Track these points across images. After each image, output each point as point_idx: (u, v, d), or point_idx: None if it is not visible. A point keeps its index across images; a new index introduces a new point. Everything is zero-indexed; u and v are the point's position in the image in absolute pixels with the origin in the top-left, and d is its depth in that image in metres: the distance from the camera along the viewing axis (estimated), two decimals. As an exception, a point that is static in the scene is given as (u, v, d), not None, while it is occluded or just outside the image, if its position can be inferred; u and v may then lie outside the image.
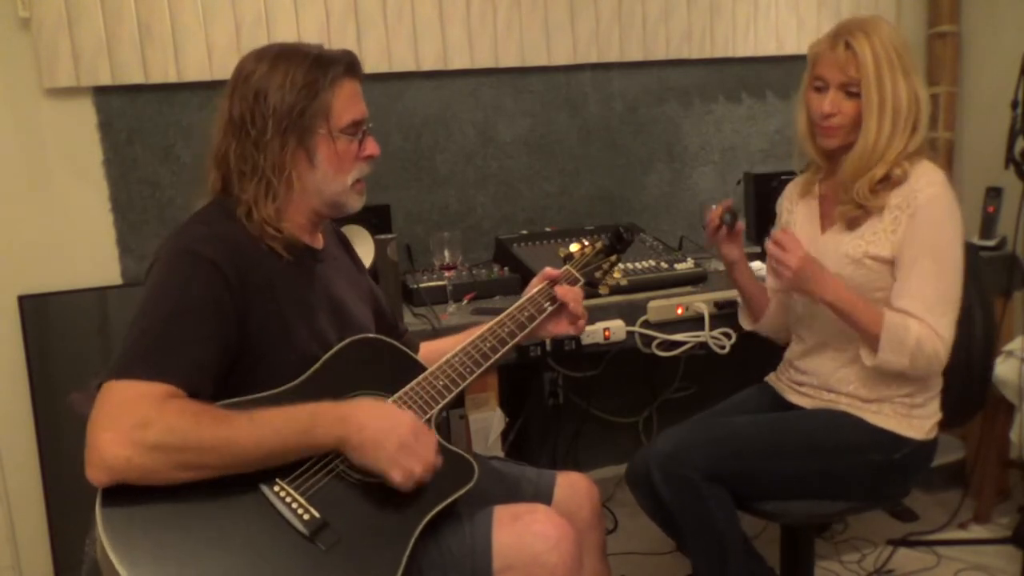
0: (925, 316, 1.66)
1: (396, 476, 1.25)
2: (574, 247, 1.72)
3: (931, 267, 1.68)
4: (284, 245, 1.38)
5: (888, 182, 1.72)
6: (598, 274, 1.70)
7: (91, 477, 1.13)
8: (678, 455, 1.70)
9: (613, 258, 1.73)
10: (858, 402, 1.79)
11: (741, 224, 1.91)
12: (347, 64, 1.41)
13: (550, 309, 1.60)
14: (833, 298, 1.70)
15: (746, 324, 2.07)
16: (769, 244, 1.72)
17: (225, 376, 1.27)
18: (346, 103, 1.40)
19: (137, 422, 1.13)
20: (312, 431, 1.23)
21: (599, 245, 1.72)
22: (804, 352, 1.88)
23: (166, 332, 1.22)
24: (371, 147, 1.45)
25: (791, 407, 1.90)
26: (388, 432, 1.25)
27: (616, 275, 1.75)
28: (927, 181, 1.69)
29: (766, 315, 2.00)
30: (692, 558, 1.78)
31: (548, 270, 1.65)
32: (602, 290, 1.72)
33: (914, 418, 1.77)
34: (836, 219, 1.80)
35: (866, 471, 1.75)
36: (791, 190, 1.98)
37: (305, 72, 1.37)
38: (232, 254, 1.30)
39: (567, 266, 1.68)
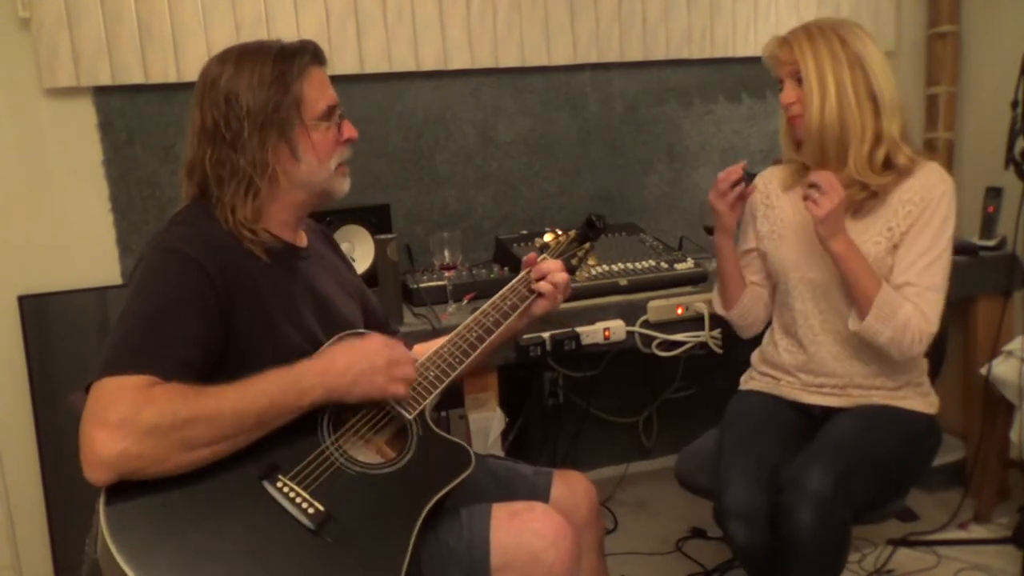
0: (920, 301, 1.70)
1: (399, 389, 1.34)
2: (548, 237, 1.75)
3: (934, 257, 1.72)
4: (263, 247, 1.37)
5: (893, 169, 1.74)
6: (574, 261, 1.72)
7: (91, 478, 1.13)
8: (838, 497, 1.57)
9: (587, 246, 1.75)
10: (887, 392, 1.81)
11: (753, 187, 1.87)
12: (312, 52, 1.41)
13: (532, 298, 1.62)
14: (845, 249, 1.68)
15: (719, 307, 2.03)
16: (814, 176, 1.67)
17: (211, 375, 1.27)
18: (318, 91, 1.40)
19: (125, 413, 1.13)
20: (298, 387, 1.25)
21: (572, 234, 1.75)
22: (814, 354, 1.86)
23: (151, 330, 1.22)
24: (348, 130, 1.45)
25: (810, 408, 1.87)
26: (369, 361, 1.32)
27: (592, 262, 1.77)
28: (939, 178, 1.75)
29: (739, 304, 1.97)
30: None
31: (532, 255, 1.68)
32: (579, 277, 1.74)
33: (926, 395, 1.84)
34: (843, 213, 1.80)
35: (921, 456, 1.81)
36: (768, 182, 1.95)
37: (272, 67, 1.36)
38: (215, 253, 1.30)
39: (544, 255, 1.70)
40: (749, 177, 1.87)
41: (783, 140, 1.88)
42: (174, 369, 1.19)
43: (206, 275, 1.27)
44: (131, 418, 1.12)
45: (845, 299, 1.79)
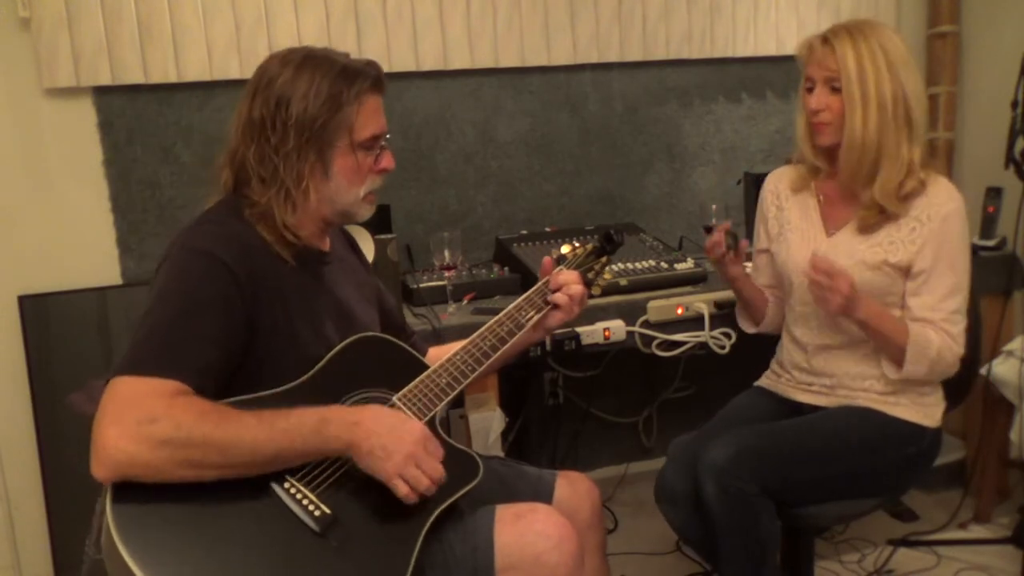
0: (945, 327, 1.70)
1: (400, 488, 1.23)
2: (565, 249, 1.73)
3: (950, 278, 1.72)
4: (295, 251, 1.37)
5: (910, 193, 1.73)
6: (590, 275, 1.71)
7: (96, 474, 1.13)
8: (735, 468, 1.63)
9: (604, 259, 1.74)
10: (875, 396, 1.80)
11: (744, 242, 1.90)
12: (373, 79, 1.40)
13: (547, 309, 1.61)
14: (866, 316, 1.69)
15: (748, 328, 2.07)
16: (811, 272, 1.67)
17: (230, 376, 1.26)
18: (368, 118, 1.39)
19: (144, 417, 1.12)
20: (321, 433, 1.22)
21: (589, 247, 1.73)
22: (812, 353, 1.87)
23: (176, 330, 1.22)
24: (387, 161, 1.44)
25: (800, 407, 1.89)
26: (398, 442, 1.24)
27: (607, 276, 1.76)
28: (947, 196, 1.73)
29: (767, 316, 2.00)
30: (726, 573, 1.72)
31: (548, 260, 1.66)
32: (594, 291, 1.73)
33: (927, 407, 1.81)
34: (848, 222, 1.80)
35: (897, 464, 1.78)
36: (778, 183, 1.96)
37: (331, 83, 1.35)
38: (243, 255, 1.30)
39: (560, 267, 1.69)
40: (734, 238, 1.88)
41: (802, 141, 1.85)
42: (197, 373, 1.19)
43: (232, 276, 1.26)
44: (148, 424, 1.12)
45: (882, 351, 1.79)
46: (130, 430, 1.11)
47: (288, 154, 1.34)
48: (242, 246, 1.31)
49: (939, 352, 1.69)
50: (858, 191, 1.77)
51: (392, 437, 1.24)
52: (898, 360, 1.73)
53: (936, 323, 1.71)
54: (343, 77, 1.36)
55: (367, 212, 1.46)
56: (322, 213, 1.42)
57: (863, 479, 1.76)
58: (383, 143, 1.44)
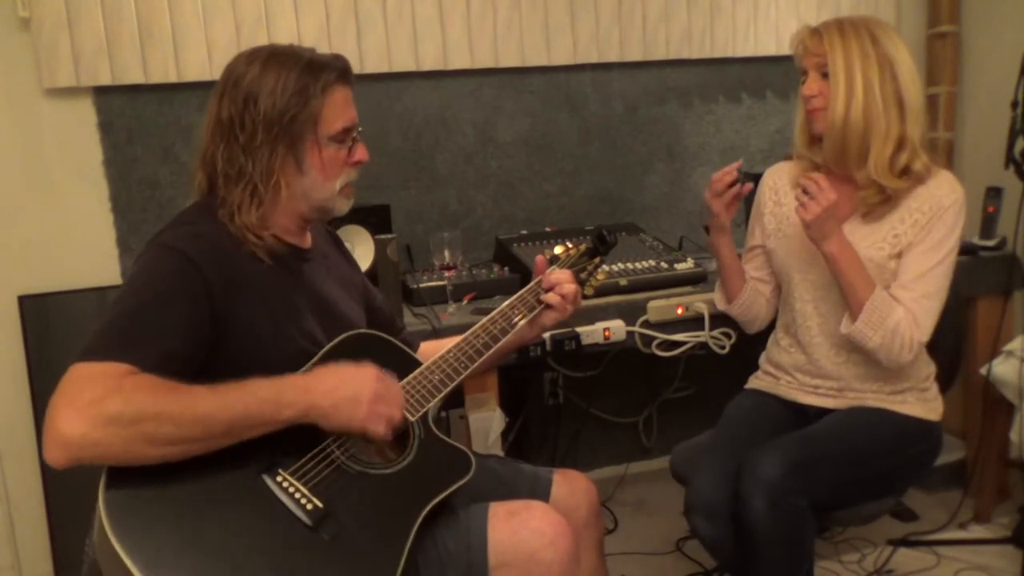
0: (912, 306, 1.69)
1: (379, 428, 1.28)
2: (558, 249, 1.74)
3: (933, 264, 1.71)
4: (266, 250, 1.37)
5: (910, 173, 1.73)
6: (583, 275, 1.72)
7: (48, 457, 1.11)
8: (786, 482, 1.60)
9: (597, 260, 1.75)
10: (884, 396, 1.80)
11: (749, 185, 1.89)
12: (339, 71, 1.40)
13: (540, 308, 1.62)
14: (837, 251, 1.68)
15: (721, 304, 2.06)
16: (803, 179, 1.69)
17: (216, 375, 1.26)
18: (337, 110, 1.39)
19: (94, 397, 1.11)
20: (277, 400, 1.21)
21: (583, 247, 1.74)
22: (811, 356, 1.86)
23: (136, 321, 1.21)
24: (360, 153, 1.44)
25: (804, 409, 1.88)
26: (359, 389, 1.27)
27: (600, 276, 1.77)
28: (950, 188, 1.74)
29: (739, 300, 1.99)
30: None
31: (541, 259, 1.67)
32: (587, 291, 1.74)
33: (929, 401, 1.83)
34: (851, 216, 1.79)
35: (912, 461, 1.79)
36: (777, 178, 1.96)
37: (297, 78, 1.35)
38: (213, 254, 1.30)
39: (553, 267, 1.70)
40: (745, 176, 1.88)
41: (798, 135, 1.86)
42: (154, 360, 1.18)
43: (200, 274, 1.26)
44: (98, 403, 1.11)
45: (844, 303, 1.78)
46: (80, 411, 1.10)
47: (257, 150, 1.34)
48: (213, 246, 1.31)
49: (897, 326, 1.67)
50: (853, 173, 1.76)
51: (348, 388, 1.26)
52: (854, 316, 1.70)
53: (904, 302, 1.69)
54: (309, 71, 1.36)
55: (345, 206, 1.46)
56: (298, 209, 1.42)
57: (886, 478, 1.77)
58: (355, 135, 1.44)
